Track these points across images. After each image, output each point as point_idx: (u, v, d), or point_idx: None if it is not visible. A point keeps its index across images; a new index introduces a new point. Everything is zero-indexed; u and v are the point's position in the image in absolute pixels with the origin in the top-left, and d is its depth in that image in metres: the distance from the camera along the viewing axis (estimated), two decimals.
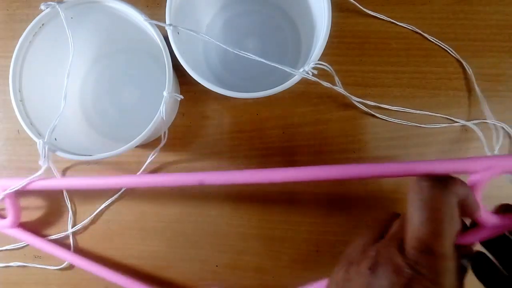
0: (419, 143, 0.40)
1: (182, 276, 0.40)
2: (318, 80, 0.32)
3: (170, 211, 0.40)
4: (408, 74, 0.40)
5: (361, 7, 0.40)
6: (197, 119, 0.41)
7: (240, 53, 0.32)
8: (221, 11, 0.41)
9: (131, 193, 0.41)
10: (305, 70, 0.31)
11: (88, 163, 0.41)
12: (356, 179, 0.30)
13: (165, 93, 0.32)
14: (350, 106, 0.40)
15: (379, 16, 0.40)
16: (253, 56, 0.32)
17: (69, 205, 0.41)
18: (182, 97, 0.34)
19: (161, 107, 0.32)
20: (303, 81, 0.32)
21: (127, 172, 0.41)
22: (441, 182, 0.23)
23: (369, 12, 0.40)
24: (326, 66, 0.32)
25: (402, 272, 0.22)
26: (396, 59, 0.40)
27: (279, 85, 0.32)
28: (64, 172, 0.41)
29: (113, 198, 0.40)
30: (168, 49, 0.32)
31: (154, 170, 0.41)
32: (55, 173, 0.39)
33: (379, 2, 0.41)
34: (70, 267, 0.41)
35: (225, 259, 0.40)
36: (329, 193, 0.40)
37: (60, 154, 0.32)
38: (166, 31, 0.32)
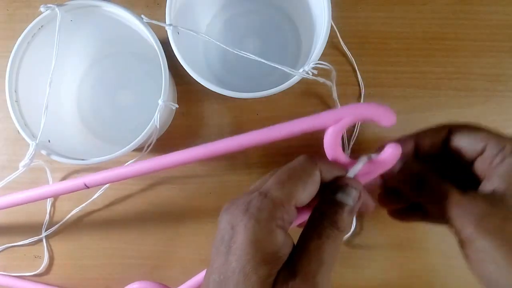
0: None
1: (182, 276, 0.40)
2: (317, 79, 0.32)
3: (170, 211, 0.40)
4: (408, 74, 0.40)
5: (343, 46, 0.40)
6: (197, 119, 0.41)
7: (239, 53, 0.32)
8: (221, 11, 0.41)
9: (131, 193, 0.41)
10: (305, 70, 0.31)
11: (88, 166, 0.41)
12: (225, 154, 0.31)
13: (160, 102, 0.31)
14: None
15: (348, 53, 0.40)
16: (253, 56, 0.32)
17: (48, 207, 0.41)
18: (177, 106, 0.34)
19: (155, 115, 0.31)
20: (303, 81, 0.32)
21: None
22: (310, 157, 0.25)
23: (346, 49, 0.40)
24: (326, 65, 0.31)
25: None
26: (396, 59, 0.40)
27: (279, 85, 0.32)
28: (58, 169, 0.41)
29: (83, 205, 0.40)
30: (169, 49, 0.32)
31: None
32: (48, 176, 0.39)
33: (378, 2, 0.41)
34: (46, 271, 0.41)
35: None
36: None
37: (53, 157, 0.32)
38: (164, 35, 0.32)
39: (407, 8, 0.41)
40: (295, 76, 0.31)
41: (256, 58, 0.31)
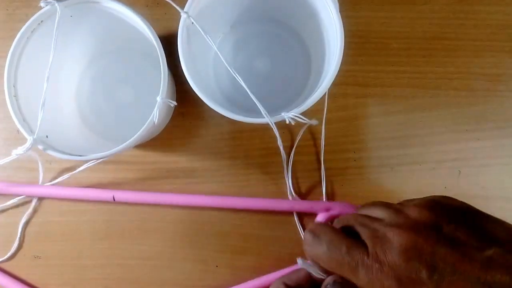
0: (419, 143, 0.40)
1: (182, 276, 0.40)
2: (305, 121, 0.32)
3: (170, 211, 0.40)
4: (408, 74, 0.40)
5: None
6: (196, 118, 0.41)
7: (245, 75, 0.32)
8: (232, 31, 0.41)
9: None
10: (289, 116, 0.31)
11: (86, 162, 0.41)
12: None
13: (158, 99, 0.31)
14: (350, 106, 0.40)
15: None
16: (250, 93, 0.32)
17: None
18: (175, 103, 0.34)
19: (153, 112, 0.31)
20: None
21: (124, 171, 0.41)
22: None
23: None
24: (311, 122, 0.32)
25: None
26: (396, 59, 0.40)
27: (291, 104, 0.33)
28: (62, 170, 0.41)
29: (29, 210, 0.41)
30: (170, 48, 0.32)
31: (154, 170, 0.41)
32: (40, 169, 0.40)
33: (378, 2, 0.41)
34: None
35: (225, 259, 0.40)
36: None
37: (50, 152, 0.32)
38: (164, 34, 0.32)
39: (407, 8, 0.41)
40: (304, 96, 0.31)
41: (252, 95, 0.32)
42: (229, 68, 0.32)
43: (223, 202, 0.39)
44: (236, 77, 0.32)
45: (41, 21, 0.33)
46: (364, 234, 0.26)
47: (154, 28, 0.32)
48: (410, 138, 0.40)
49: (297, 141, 0.40)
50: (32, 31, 0.33)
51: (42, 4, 0.32)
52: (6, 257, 0.40)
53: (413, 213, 0.25)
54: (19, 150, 0.32)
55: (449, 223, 0.24)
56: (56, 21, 0.32)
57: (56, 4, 0.32)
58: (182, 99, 0.39)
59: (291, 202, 0.39)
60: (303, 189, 0.40)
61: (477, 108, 0.40)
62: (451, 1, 0.41)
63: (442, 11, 0.41)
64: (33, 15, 0.33)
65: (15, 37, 0.33)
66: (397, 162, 0.40)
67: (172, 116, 0.41)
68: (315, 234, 0.27)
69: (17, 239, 0.40)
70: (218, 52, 0.33)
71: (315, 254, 0.27)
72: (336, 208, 0.37)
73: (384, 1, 0.41)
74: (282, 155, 0.38)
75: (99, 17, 0.35)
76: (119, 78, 0.41)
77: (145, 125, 0.31)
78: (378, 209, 0.28)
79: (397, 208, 0.27)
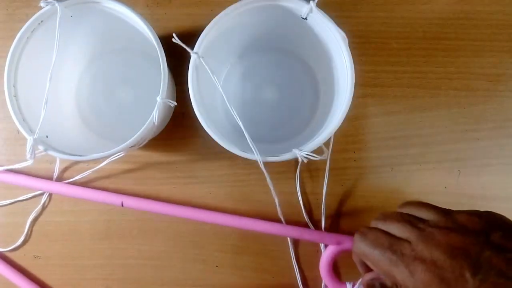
0: (419, 143, 0.40)
1: (182, 276, 0.40)
2: (314, 158, 0.31)
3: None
4: (408, 74, 0.40)
5: None
6: (196, 119, 0.41)
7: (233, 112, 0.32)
8: (240, 60, 0.41)
9: (131, 193, 0.41)
10: (301, 155, 0.31)
11: (87, 162, 0.41)
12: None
13: (158, 99, 0.31)
14: (350, 106, 0.40)
15: None
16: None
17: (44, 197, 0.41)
18: (175, 103, 0.34)
19: (153, 112, 0.31)
20: None
21: (124, 171, 0.41)
22: None
23: None
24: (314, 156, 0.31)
25: None
26: (396, 59, 0.40)
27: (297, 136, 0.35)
28: (63, 171, 0.41)
29: (37, 208, 0.41)
30: (170, 48, 0.32)
31: (155, 170, 0.41)
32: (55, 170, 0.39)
33: (378, 2, 0.41)
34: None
35: (225, 259, 0.40)
36: None
37: (51, 153, 0.32)
38: (163, 33, 0.32)
39: (407, 8, 0.41)
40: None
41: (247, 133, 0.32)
42: (227, 104, 0.33)
43: (234, 221, 0.39)
44: (232, 109, 0.33)
45: (41, 21, 0.33)
46: (409, 231, 0.26)
47: (154, 28, 0.32)
48: (410, 138, 0.40)
49: (299, 165, 0.40)
50: (32, 31, 0.33)
51: (42, 4, 0.32)
52: (11, 247, 0.41)
53: (462, 218, 0.26)
54: (27, 154, 0.32)
55: (497, 231, 0.24)
56: (57, 21, 0.32)
57: (56, 4, 0.32)
58: (182, 99, 0.39)
59: (301, 230, 0.38)
60: (303, 188, 0.40)
61: (477, 108, 0.40)
62: (451, 1, 0.41)
63: (443, 11, 0.40)
64: (33, 15, 0.33)
65: (15, 37, 0.33)
66: (397, 162, 0.40)
67: (172, 116, 0.41)
68: (362, 234, 0.28)
69: (23, 235, 0.41)
70: (222, 92, 0.33)
71: (361, 251, 0.28)
72: (346, 242, 0.37)
73: (384, 1, 0.41)
74: (273, 197, 0.38)
75: (99, 17, 0.35)
76: (119, 78, 0.41)
77: (145, 125, 0.31)
78: (423, 210, 0.28)
79: (445, 211, 0.27)
